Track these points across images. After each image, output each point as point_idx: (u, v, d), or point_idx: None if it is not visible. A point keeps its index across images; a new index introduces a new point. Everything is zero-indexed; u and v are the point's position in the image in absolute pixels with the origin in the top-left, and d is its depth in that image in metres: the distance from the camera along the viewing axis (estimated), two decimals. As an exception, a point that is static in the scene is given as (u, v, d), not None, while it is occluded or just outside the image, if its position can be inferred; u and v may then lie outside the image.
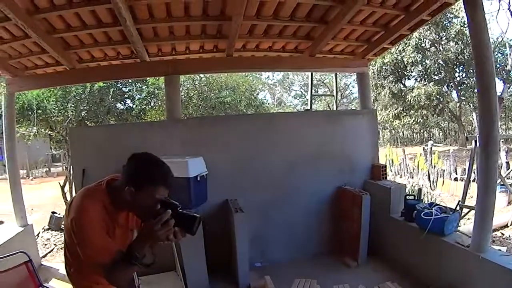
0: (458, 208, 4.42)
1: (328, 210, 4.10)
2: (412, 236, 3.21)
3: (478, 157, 2.64)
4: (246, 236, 3.34)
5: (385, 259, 3.68)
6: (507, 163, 7.68)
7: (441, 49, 16.35)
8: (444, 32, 15.71)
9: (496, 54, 18.38)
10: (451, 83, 17.16)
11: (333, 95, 7.25)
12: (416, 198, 3.55)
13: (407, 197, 3.50)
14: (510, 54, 17.50)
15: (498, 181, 6.73)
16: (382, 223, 3.73)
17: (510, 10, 12.57)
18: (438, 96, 16.62)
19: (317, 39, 3.75)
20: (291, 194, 3.97)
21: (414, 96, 16.58)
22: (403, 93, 17.54)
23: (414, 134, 23.94)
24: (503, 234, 5.50)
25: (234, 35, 3.35)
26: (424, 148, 11.18)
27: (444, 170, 9.08)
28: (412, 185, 6.98)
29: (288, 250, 3.97)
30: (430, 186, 8.57)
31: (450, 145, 17.38)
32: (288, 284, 3.31)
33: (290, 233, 3.99)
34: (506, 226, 5.77)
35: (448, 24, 15.84)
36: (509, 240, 5.26)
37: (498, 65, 17.76)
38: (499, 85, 18.05)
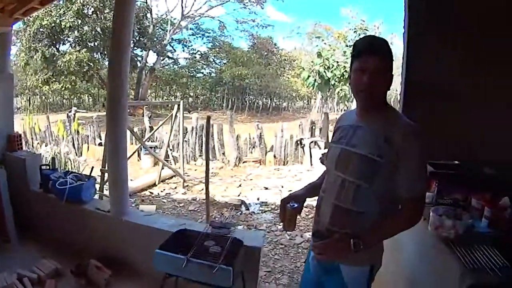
0: (100, 173, 4.69)
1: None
2: (54, 208, 3.07)
3: (107, 123, 2.65)
4: None
5: (38, 235, 3.29)
6: (151, 127, 8.66)
7: (102, 17, 16.49)
8: (108, 1, 15.94)
9: (158, 29, 21.03)
10: (105, 51, 17.87)
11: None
12: (50, 167, 3.39)
13: (42, 167, 3.31)
14: (169, 30, 20.71)
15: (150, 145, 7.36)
16: (24, 197, 3.33)
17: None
18: (89, 63, 16.75)
19: None
20: None
21: (65, 62, 15.93)
22: (55, 58, 16.36)
23: (64, 100, 22.84)
24: (152, 193, 5.97)
25: None
26: (68, 114, 10.84)
27: (88, 136, 9.19)
28: (55, 153, 6.62)
29: None
30: (75, 153, 8.50)
31: (99, 111, 18.15)
32: None
33: None
34: (155, 185, 6.31)
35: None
36: (158, 197, 5.79)
37: (155, 39, 20.42)
38: (153, 57, 21.13)
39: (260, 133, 8.67)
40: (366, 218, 1.27)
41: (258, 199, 5.84)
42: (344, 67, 12.92)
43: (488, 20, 2.13)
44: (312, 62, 14.57)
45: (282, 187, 6.61)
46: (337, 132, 1.44)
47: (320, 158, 7.66)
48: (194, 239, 2.00)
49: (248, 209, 5.32)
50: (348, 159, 1.30)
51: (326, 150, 7.96)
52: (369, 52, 1.25)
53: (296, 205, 1.37)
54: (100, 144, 8.65)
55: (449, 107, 2.22)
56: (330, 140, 1.48)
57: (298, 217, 1.43)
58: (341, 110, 20.17)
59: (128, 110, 3.98)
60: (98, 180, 4.46)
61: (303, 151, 8.61)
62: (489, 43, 2.12)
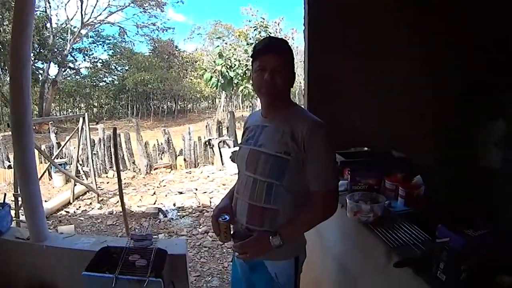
0: (13, 198, 4.05)
1: None
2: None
3: (13, 145, 2.41)
4: None
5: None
6: (58, 143, 7.87)
7: (1, 30, 13.95)
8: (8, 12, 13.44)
9: (58, 39, 19.33)
10: (5, 66, 14.91)
11: None
12: None
13: None
14: (70, 40, 18.89)
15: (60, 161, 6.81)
16: None
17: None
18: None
19: None
20: None
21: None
22: None
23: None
24: (68, 212, 5.63)
25: None
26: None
27: (-5, 159, 7.82)
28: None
29: None
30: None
31: (5, 131, 15.25)
32: None
33: None
34: (69, 203, 5.96)
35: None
36: (75, 216, 5.48)
37: (56, 50, 18.56)
38: (54, 69, 19.37)
39: (168, 138, 8.56)
40: (281, 214, 1.29)
41: (174, 204, 5.80)
42: (246, 65, 13.11)
43: (377, 16, 2.33)
44: (214, 62, 14.55)
45: (196, 189, 6.65)
46: (245, 133, 1.45)
47: (231, 156, 7.96)
48: (119, 255, 1.96)
49: (166, 216, 5.28)
50: (257, 159, 1.30)
51: (236, 148, 7.56)
52: (268, 51, 1.27)
53: (227, 218, 1.36)
54: (9, 167, 7.59)
55: (348, 98, 2.34)
56: (240, 141, 1.50)
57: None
58: (247, 107, 20.81)
59: (34, 127, 3.61)
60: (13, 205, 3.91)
61: (213, 151, 8.70)
62: (378, 38, 2.31)
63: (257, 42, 1.35)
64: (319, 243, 1.92)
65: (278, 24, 13.64)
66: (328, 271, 1.94)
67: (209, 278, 3.40)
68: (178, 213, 5.41)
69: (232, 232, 1.38)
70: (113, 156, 7.55)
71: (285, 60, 1.29)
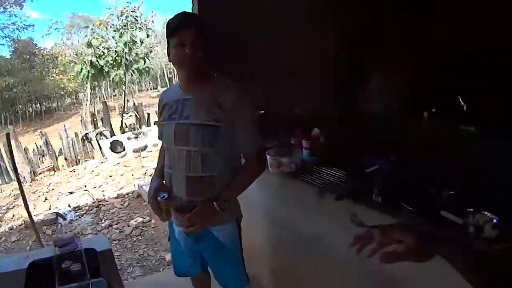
0: None
1: None
2: None
3: None
4: None
5: None
6: None
7: None
8: None
9: None
10: None
11: None
12: None
13: None
14: None
15: None
16: None
17: None
18: None
19: None
20: None
21: None
22: None
23: None
24: None
25: None
26: None
27: None
28: None
29: None
30: None
31: None
32: None
33: None
34: None
35: None
36: None
37: None
38: None
39: (46, 140, 8.11)
40: (219, 179, 1.34)
41: (69, 206, 5.53)
42: (116, 51, 12.88)
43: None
44: (80, 54, 13.94)
45: (86, 186, 6.50)
46: (164, 110, 1.43)
47: (110, 147, 7.98)
48: (50, 267, 1.82)
49: (65, 219, 4.98)
50: (186, 131, 1.32)
51: (114, 138, 8.44)
52: (185, 25, 1.28)
53: (165, 195, 1.34)
54: None
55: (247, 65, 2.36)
56: (161, 119, 1.47)
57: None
58: (119, 95, 19.87)
59: None
60: None
61: (92, 145, 8.51)
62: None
63: (171, 18, 1.32)
64: (253, 203, 1.94)
65: (138, 9, 13.34)
66: (264, 228, 2.04)
67: (131, 269, 3.35)
68: (76, 213, 5.15)
69: (174, 208, 1.36)
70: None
71: (202, 33, 1.30)
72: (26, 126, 20.12)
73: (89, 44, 13.05)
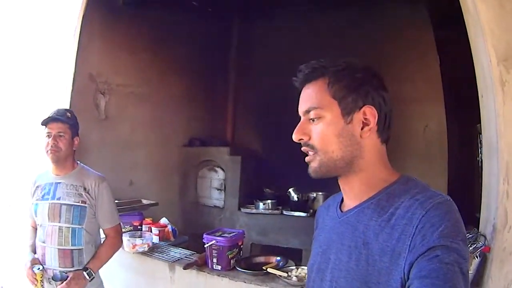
0: None
1: None
2: None
3: None
4: None
5: None
6: None
7: None
8: None
9: None
10: None
11: None
12: None
13: None
14: None
15: None
16: None
17: None
18: None
19: None
20: None
21: None
22: None
23: None
24: None
25: None
26: None
27: None
28: None
29: None
30: None
31: None
32: None
33: None
34: None
35: None
36: None
37: None
38: None
39: None
40: (86, 251, 1.64)
41: None
42: None
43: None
44: None
45: None
46: (37, 191, 1.68)
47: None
48: None
49: None
50: (58, 210, 1.60)
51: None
52: (52, 119, 1.60)
53: (40, 267, 1.54)
54: None
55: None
56: (33, 199, 1.69)
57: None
58: None
59: None
60: None
61: None
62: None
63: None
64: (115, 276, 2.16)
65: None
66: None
67: None
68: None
69: (49, 278, 1.57)
70: None
71: (68, 127, 1.64)
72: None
73: None
